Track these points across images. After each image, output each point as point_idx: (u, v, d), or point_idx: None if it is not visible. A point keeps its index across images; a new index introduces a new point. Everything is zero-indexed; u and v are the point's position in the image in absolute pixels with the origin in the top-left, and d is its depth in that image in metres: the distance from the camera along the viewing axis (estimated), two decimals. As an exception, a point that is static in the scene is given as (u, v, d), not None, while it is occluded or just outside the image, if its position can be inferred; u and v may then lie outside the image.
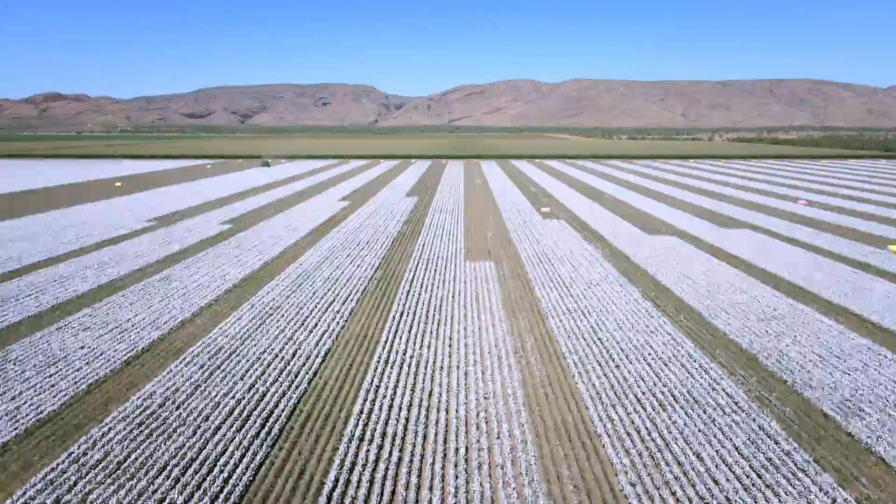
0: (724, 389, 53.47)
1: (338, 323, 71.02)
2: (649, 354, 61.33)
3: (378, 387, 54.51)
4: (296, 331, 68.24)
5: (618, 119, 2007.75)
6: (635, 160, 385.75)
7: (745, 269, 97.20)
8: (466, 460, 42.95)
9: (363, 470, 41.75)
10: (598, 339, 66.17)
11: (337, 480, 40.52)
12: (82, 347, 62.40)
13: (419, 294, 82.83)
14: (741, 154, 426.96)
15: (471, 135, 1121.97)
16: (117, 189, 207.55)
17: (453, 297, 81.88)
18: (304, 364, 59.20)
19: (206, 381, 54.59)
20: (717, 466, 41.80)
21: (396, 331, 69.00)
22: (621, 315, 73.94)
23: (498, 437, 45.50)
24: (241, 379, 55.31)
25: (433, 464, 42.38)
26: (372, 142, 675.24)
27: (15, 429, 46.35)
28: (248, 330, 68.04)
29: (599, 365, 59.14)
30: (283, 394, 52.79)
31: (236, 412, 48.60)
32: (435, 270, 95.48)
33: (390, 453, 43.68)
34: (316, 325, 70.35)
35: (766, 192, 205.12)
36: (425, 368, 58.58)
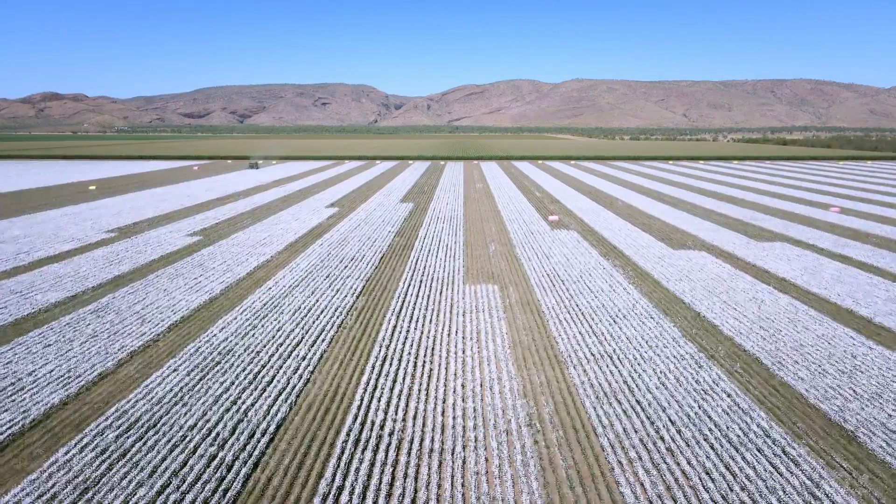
0: (828, 496, 37.87)
1: (301, 376, 55.47)
2: (711, 431, 45.72)
3: (341, 490, 38.91)
4: (244, 390, 52.67)
5: (619, 119, 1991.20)
6: (641, 161, 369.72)
7: (799, 296, 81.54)
8: None
9: None
10: (637, 402, 50.60)
11: None
12: (-48, 419, 46.82)
13: (407, 331, 67.28)
14: (751, 155, 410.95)
15: (471, 135, 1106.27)
16: (89, 193, 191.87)
17: (449, 335, 66.31)
18: (245, 447, 43.60)
19: (98, 482, 38.99)
20: None
21: (375, 388, 53.47)
22: (661, 364, 58.37)
23: None
24: (151, 476, 39.69)
25: None
26: (370, 142, 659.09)
27: None
28: (181, 389, 52.44)
29: (646, 449, 43.53)
30: (204, 504, 37.20)
31: (125, 544, 33.02)
32: (428, 297, 79.92)
33: None
34: (272, 380, 54.78)
35: (790, 198, 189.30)
36: (408, 454, 43.00)
